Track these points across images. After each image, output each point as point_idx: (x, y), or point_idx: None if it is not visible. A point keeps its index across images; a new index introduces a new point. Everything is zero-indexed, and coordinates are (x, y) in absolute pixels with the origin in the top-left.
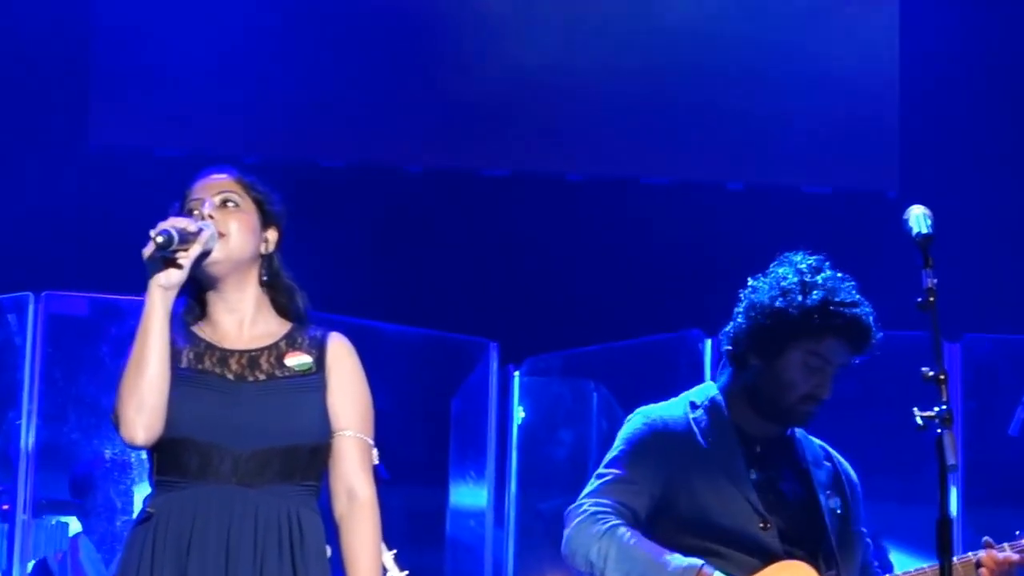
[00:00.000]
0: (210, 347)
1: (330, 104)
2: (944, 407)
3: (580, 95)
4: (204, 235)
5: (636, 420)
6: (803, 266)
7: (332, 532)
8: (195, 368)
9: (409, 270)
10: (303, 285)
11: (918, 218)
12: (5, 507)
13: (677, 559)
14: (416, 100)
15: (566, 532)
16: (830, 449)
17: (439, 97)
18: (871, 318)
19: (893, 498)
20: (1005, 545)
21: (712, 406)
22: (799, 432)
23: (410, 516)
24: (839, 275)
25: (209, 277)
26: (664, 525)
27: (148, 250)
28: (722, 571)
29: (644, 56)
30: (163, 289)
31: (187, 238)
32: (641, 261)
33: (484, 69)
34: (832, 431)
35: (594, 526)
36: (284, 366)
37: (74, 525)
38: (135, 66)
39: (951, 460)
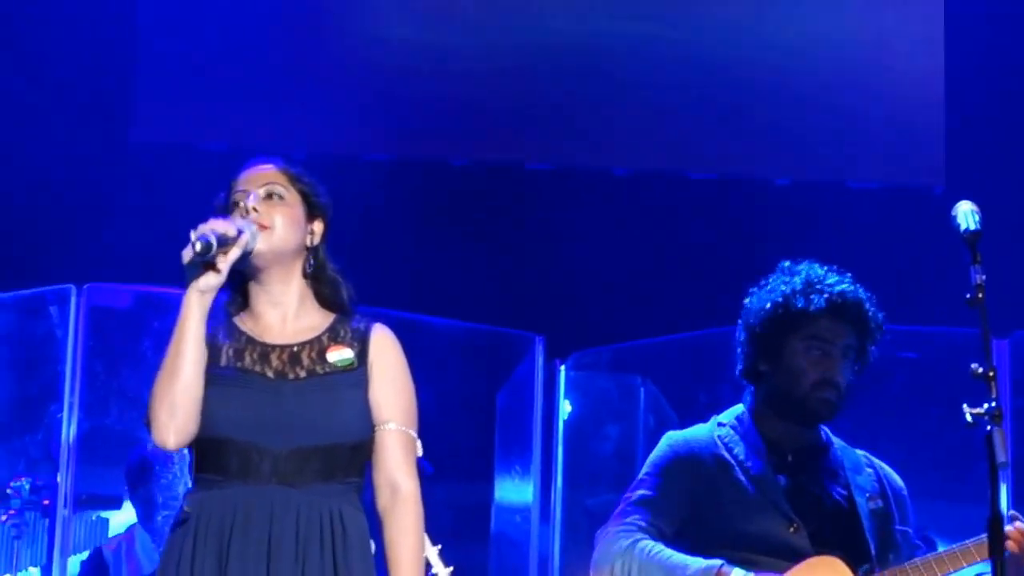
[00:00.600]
0: (251, 341)
1: (374, 97)
2: (993, 404)
3: (628, 90)
4: (243, 238)
5: (661, 444)
6: (785, 266)
7: (377, 527)
8: (235, 366)
9: (455, 264)
10: (349, 279)
11: (966, 214)
12: (46, 502)
13: (697, 562)
14: (462, 94)
15: (593, 555)
16: (872, 458)
17: (485, 91)
18: (859, 293)
19: (943, 496)
20: None
21: (738, 422)
22: (838, 442)
23: (455, 511)
24: (825, 265)
25: (253, 269)
26: (695, 541)
27: (187, 255)
28: (743, 569)
29: (691, 52)
30: (200, 293)
31: (226, 242)
32: (688, 256)
33: (531, 63)
34: (881, 429)
35: (616, 543)
36: (325, 362)
37: (120, 519)
38: (178, 59)
39: (1002, 457)
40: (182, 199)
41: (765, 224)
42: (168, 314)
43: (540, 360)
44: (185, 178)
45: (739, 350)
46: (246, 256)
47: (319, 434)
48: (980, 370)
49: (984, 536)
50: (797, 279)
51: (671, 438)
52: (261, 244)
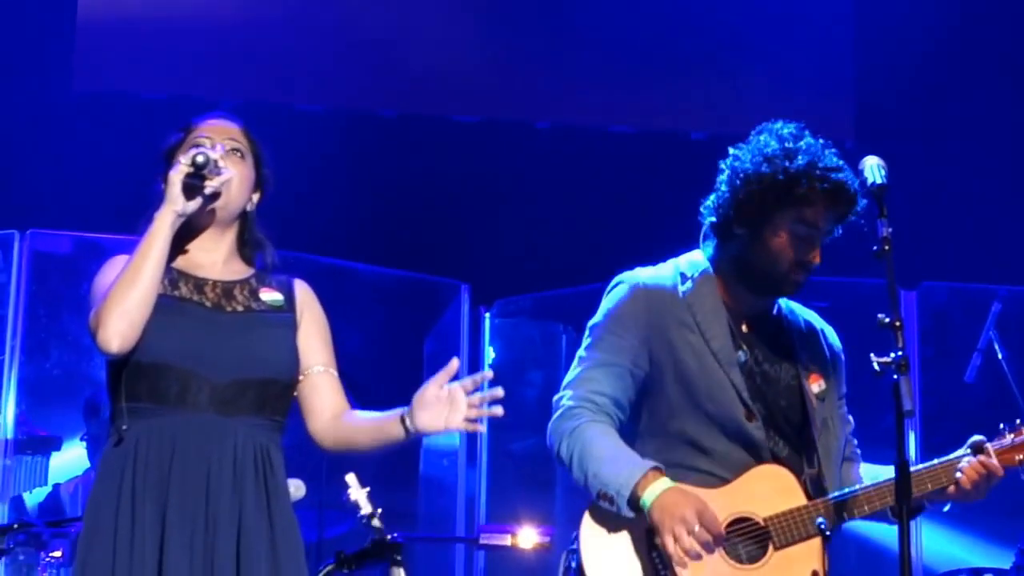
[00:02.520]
0: (183, 274)
1: (307, 48)
2: (900, 353)
3: (549, 46)
4: (227, 174)
5: (620, 288)
6: (784, 132)
7: (298, 471)
8: (171, 294)
9: (384, 212)
10: (284, 226)
11: (873, 168)
12: None
13: (626, 460)
14: (392, 45)
15: (549, 424)
16: (815, 319)
17: (413, 43)
18: (856, 183)
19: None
20: (989, 448)
21: (703, 279)
22: (785, 305)
23: (383, 455)
24: (821, 141)
25: (199, 219)
26: (654, 405)
27: (181, 170)
28: (667, 479)
29: (613, 9)
30: (176, 215)
31: (215, 170)
32: (608, 206)
33: (461, 15)
34: None
35: (566, 422)
36: (259, 299)
37: (59, 460)
38: (119, 9)
39: (908, 406)
40: (121, 147)
41: (682, 176)
42: (107, 260)
43: (466, 307)
44: (125, 127)
45: (716, 200)
46: (210, 200)
47: (257, 367)
48: (887, 320)
49: (933, 463)
50: (801, 157)
51: (633, 283)
52: (222, 196)
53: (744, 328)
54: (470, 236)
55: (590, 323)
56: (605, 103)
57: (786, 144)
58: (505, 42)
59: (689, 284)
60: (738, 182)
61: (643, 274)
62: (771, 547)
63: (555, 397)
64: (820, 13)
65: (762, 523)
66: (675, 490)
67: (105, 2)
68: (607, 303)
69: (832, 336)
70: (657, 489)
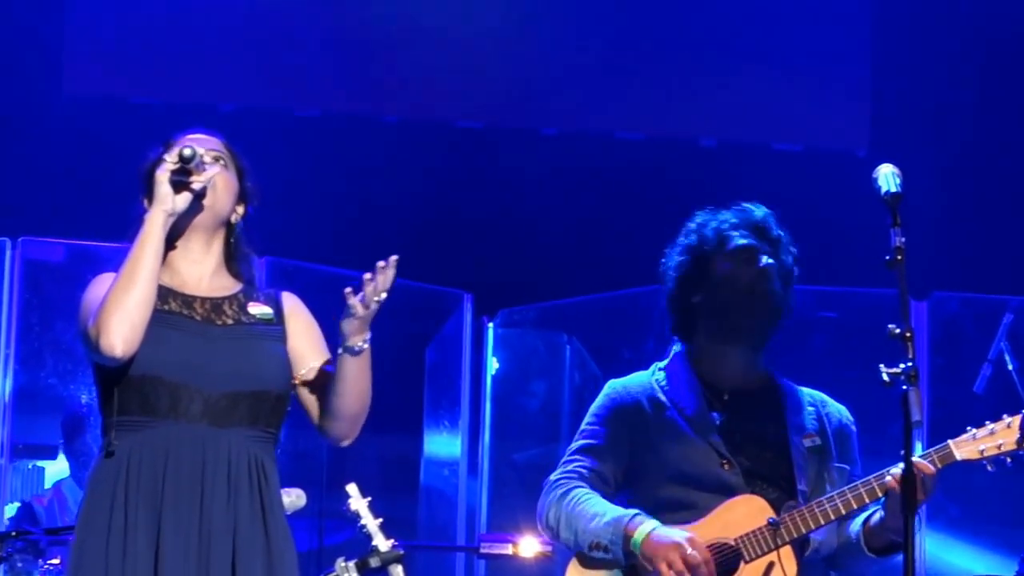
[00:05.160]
0: (171, 291)
1: (305, 53)
2: (910, 364)
3: (555, 51)
4: (213, 170)
5: (602, 393)
6: (692, 226)
7: (298, 480)
8: (160, 308)
9: (386, 220)
10: (285, 235)
11: (887, 177)
12: None
13: (613, 512)
14: (393, 50)
15: (538, 503)
16: (819, 396)
17: (415, 48)
18: (760, 211)
19: (861, 452)
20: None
21: (674, 363)
22: (785, 384)
23: (384, 465)
24: (723, 213)
25: (181, 225)
26: (643, 482)
27: (168, 166)
28: (652, 521)
29: (621, 13)
30: (166, 214)
31: (202, 165)
32: (614, 215)
33: (460, 20)
34: (801, 385)
35: (552, 492)
36: (248, 313)
37: (55, 468)
38: (110, 12)
39: (916, 416)
40: (114, 153)
41: (691, 184)
42: (102, 268)
43: (468, 317)
44: (118, 132)
45: (668, 297)
46: (198, 197)
47: (249, 380)
48: (897, 331)
49: (883, 472)
50: (702, 215)
51: (611, 386)
52: (207, 198)
53: (725, 397)
54: (473, 245)
55: (579, 429)
56: (612, 109)
57: (693, 223)
58: (510, 46)
59: (662, 373)
60: (676, 266)
61: (622, 379)
62: (742, 562)
63: (544, 481)
64: (835, 20)
65: (733, 543)
66: (662, 527)
67: (96, 5)
68: (592, 406)
69: (836, 411)
70: (646, 528)
